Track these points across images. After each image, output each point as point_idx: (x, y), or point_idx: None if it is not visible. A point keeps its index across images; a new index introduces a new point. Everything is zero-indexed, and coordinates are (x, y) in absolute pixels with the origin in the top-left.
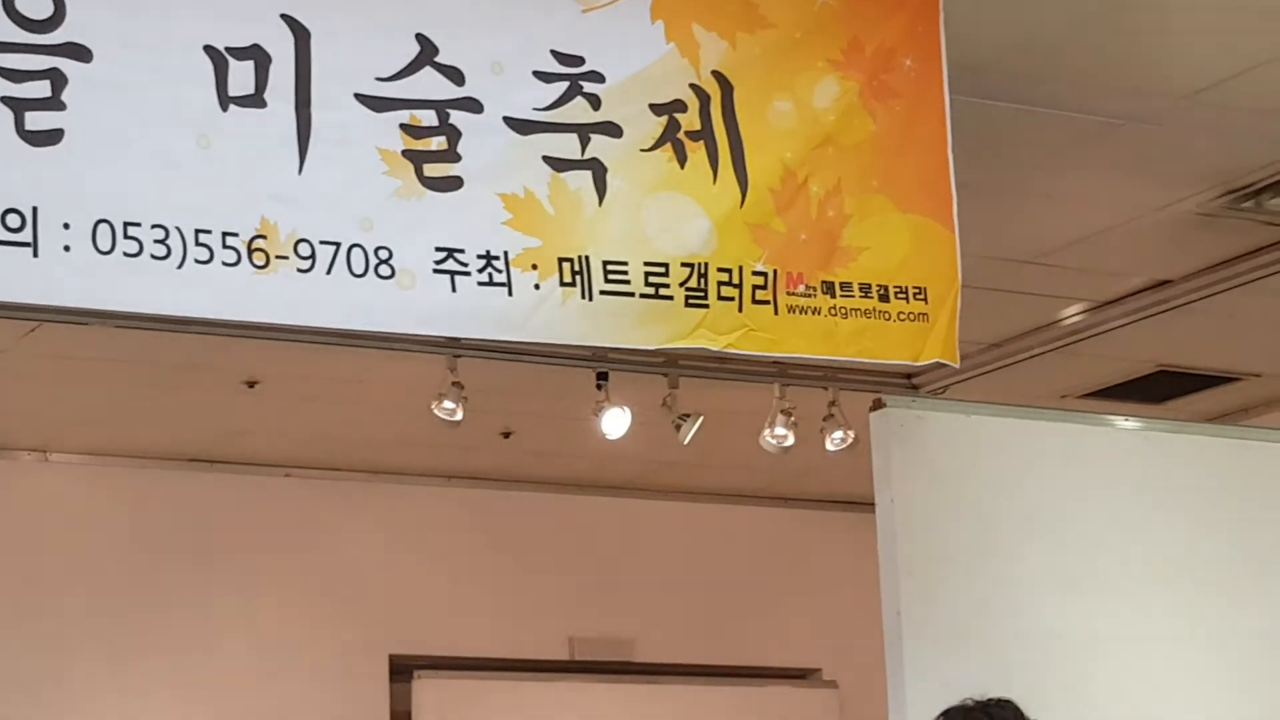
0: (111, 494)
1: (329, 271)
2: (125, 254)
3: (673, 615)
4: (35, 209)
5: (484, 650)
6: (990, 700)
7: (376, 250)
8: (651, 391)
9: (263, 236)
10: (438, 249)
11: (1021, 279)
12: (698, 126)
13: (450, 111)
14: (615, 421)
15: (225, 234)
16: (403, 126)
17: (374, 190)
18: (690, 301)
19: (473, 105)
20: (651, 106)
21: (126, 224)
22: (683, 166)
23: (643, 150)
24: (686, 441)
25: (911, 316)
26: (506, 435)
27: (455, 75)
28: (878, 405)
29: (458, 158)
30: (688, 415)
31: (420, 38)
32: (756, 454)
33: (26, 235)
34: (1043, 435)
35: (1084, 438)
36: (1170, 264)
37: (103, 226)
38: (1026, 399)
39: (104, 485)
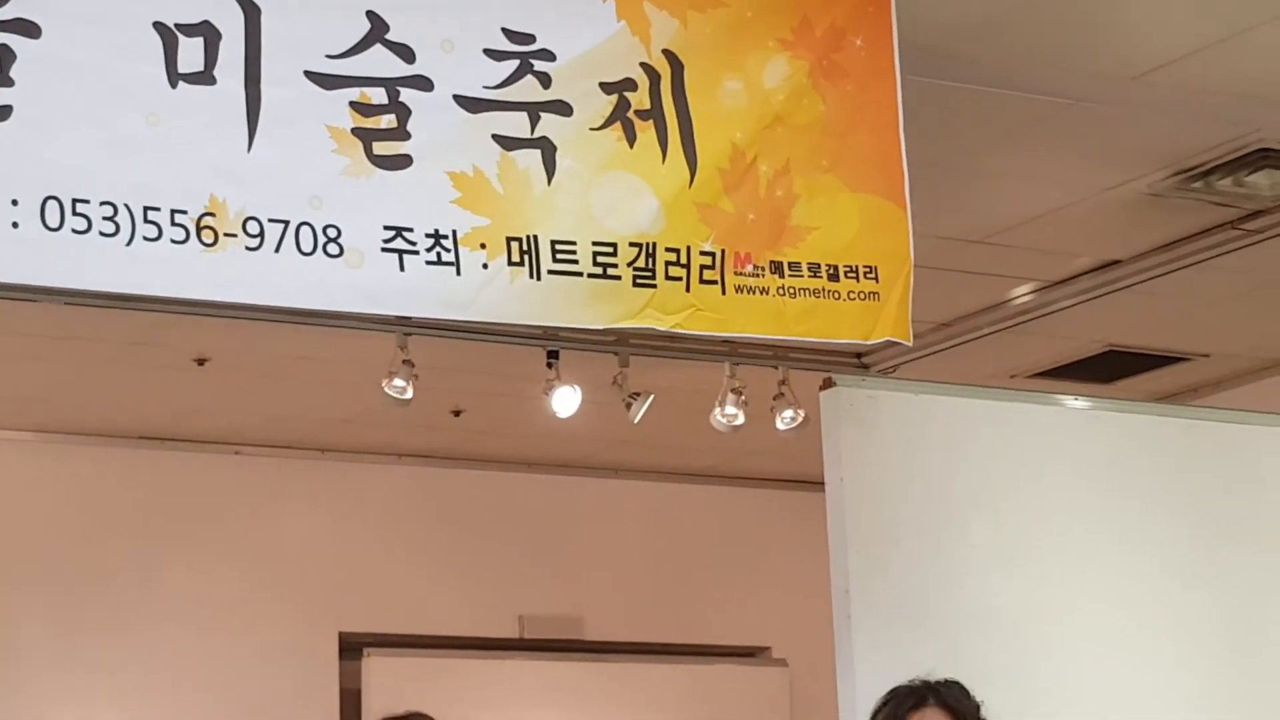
0: (61, 472)
1: (277, 250)
2: (74, 231)
3: (622, 593)
4: None
5: (434, 628)
6: (937, 680)
7: (325, 228)
8: (602, 370)
9: (211, 214)
10: (386, 228)
11: (971, 259)
12: (647, 105)
13: (400, 89)
14: (565, 400)
15: (174, 211)
16: (352, 104)
17: (323, 168)
18: (638, 281)
19: (423, 83)
20: (602, 85)
21: (75, 201)
22: (632, 146)
23: (592, 129)
24: (637, 420)
25: (862, 295)
26: (457, 414)
27: (405, 53)
28: (828, 384)
29: (407, 136)
30: (638, 394)
31: (371, 15)
32: (707, 433)
33: None
34: (992, 414)
35: (1033, 417)
36: (1120, 244)
37: (51, 203)
38: (977, 378)
39: (53, 463)
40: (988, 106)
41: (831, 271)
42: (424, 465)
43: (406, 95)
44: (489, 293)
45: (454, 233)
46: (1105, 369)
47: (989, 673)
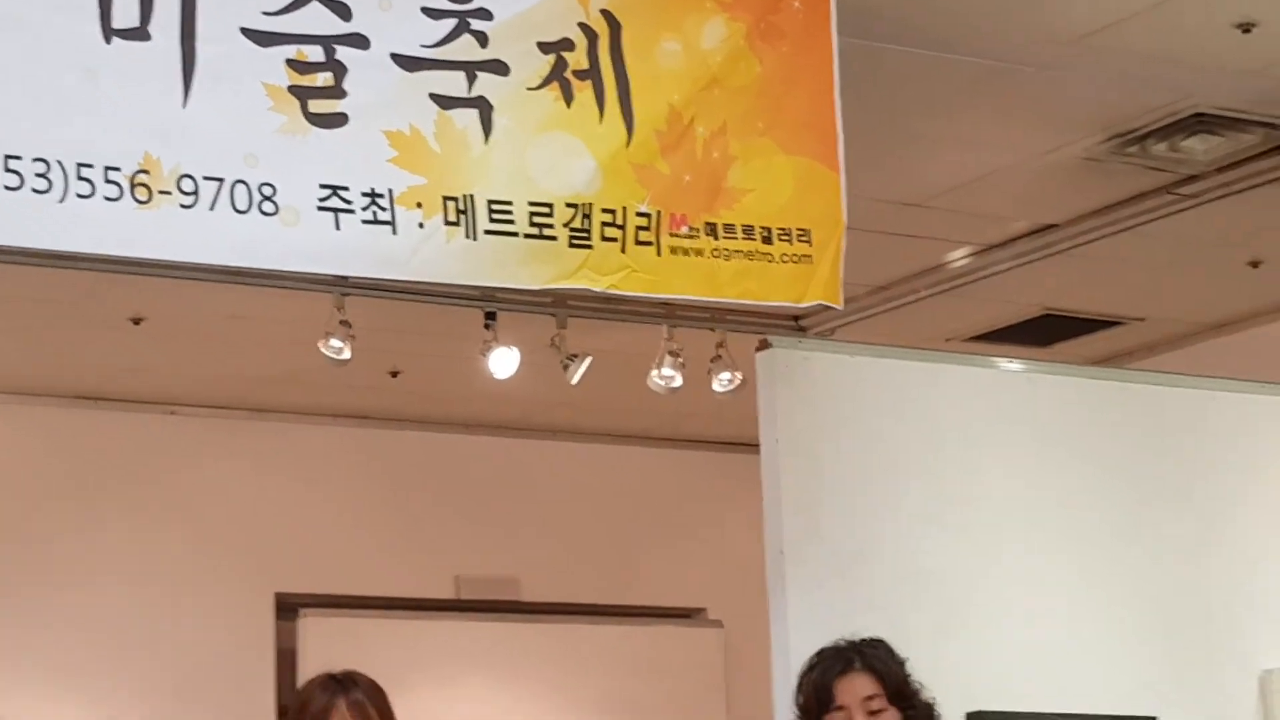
0: None
1: (212, 208)
2: (6, 187)
3: (559, 555)
4: None
5: (370, 589)
6: (863, 640)
7: (260, 187)
8: (540, 332)
9: (145, 171)
10: (322, 186)
11: (908, 222)
12: (585, 66)
13: (337, 47)
14: (503, 362)
15: (108, 168)
16: (289, 62)
17: (258, 126)
18: (574, 242)
19: (359, 41)
20: (539, 45)
21: (8, 157)
22: (569, 106)
23: (529, 89)
24: (575, 382)
25: (795, 258)
26: (394, 374)
27: (342, 10)
28: (764, 346)
29: (343, 94)
30: (576, 356)
31: None
32: (644, 395)
33: None
34: (927, 377)
35: (968, 380)
36: (1056, 208)
37: None
38: (913, 342)
39: None
40: (924, 70)
41: (765, 234)
42: (361, 426)
43: (343, 53)
44: (425, 252)
45: (390, 192)
46: (1041, 333)
47: (922, 633)
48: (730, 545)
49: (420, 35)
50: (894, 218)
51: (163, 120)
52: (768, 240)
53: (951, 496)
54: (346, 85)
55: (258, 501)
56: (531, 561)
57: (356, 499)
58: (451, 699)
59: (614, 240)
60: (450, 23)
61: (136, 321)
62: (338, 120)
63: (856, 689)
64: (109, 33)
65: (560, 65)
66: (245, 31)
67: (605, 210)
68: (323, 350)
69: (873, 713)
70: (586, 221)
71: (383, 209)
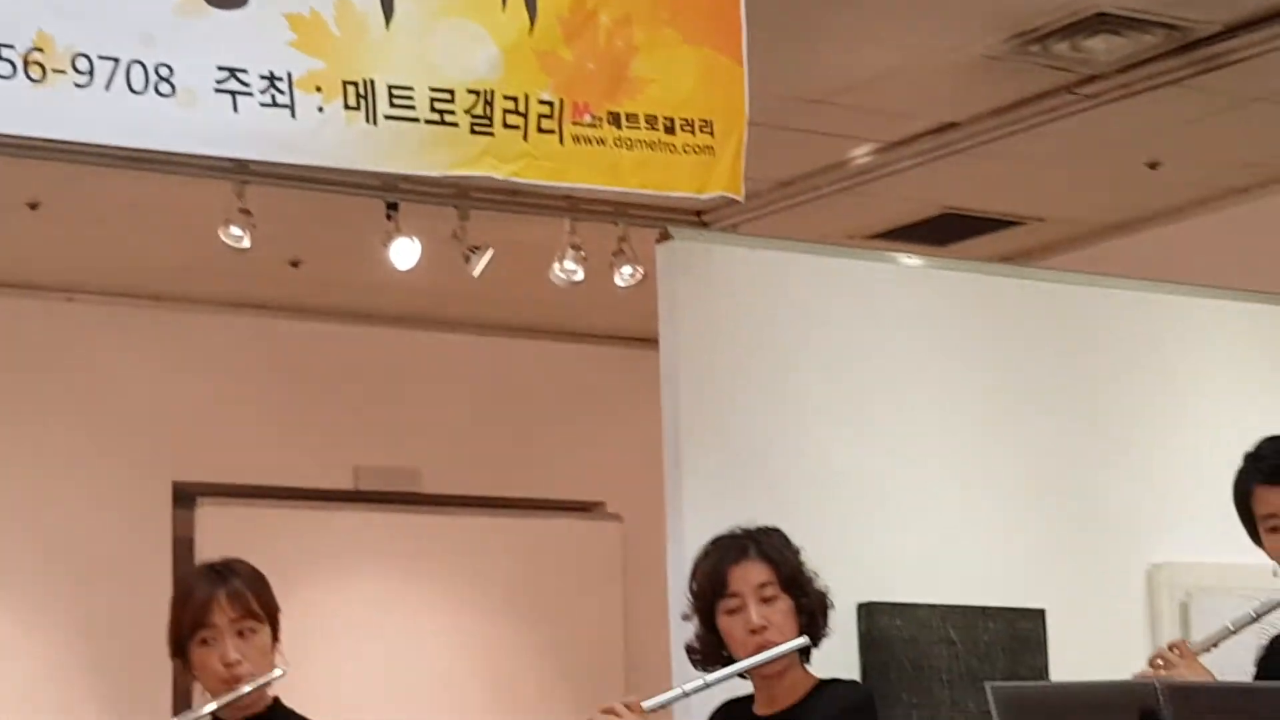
0: None
1: (108, 88)
2: None
3: (459, 447)
4: None
5: (268, 478)
6: (757, 529)
7: (157, 68)
8: (441, 223)
9: (39, 49)
10: (220, 68)
11: (811, 118)
12: None
13: None
14: (404, 252)
15: (1, 45)
16: None
17: (155, 5)
18: (475, 129)
19: None
20: None
21: None
22: None
23: None
24: (476, 274)
25: (697, 149)
26: (295, 264)
27: None
28: (664, 237)
29: None
30: (477, 248)
31: None
32: (546, 288)
33: None
34: (828, 272)
35: (868, 275)
36: (957, 107)
37: None
38: (815, 238)
39: None
40: None
41: (668, 124)
42: (261, 316)
43: None
44: (324, 136)
45: (289, 75)
46: (941, 231)
47: (817, 525)
48: (630, 440)
49: None
50: (797, 113)
51: None
52: (670, 131)
53: (850, 392)
54: None
55: (156, 390)
56: (431, 453)
57: (256, 389)
58: (349, 589)
59: (516, 128)
60: None
61: (33, 206)
62: (237, 1)
63: (750, 576)
64: None
65: None
66: None
67: (507, 97)
68: (222, 238)
69: (766, 599)
70: (488, 108)
71: (281, 92)
